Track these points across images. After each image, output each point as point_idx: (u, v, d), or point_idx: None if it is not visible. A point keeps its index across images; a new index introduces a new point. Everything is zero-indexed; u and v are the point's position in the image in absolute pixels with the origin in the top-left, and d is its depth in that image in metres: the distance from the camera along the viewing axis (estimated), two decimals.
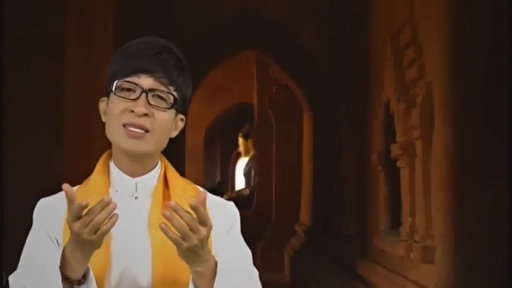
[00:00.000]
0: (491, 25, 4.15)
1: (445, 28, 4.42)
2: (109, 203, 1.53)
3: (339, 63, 9.15)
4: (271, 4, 9.60)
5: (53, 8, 5.33)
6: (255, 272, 1.75)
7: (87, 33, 5.74)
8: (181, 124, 1.77)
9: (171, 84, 1.71)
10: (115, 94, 1.69)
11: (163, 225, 1.55)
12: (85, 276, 1.61)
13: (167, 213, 1.54)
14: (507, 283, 3.92)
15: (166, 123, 1.71)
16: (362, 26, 7.29)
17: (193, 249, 1.57)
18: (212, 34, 9.53)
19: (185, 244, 1.56)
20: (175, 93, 1.72)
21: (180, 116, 1.77)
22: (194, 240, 1.56)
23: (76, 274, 1.59)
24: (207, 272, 1.62)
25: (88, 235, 1.54)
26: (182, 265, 1.67)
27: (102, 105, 1.76)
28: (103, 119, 1.76)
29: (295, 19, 9.63)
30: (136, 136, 1.68)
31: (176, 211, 1.54)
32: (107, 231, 1.55)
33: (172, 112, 1.72)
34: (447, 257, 4.27)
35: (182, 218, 1.55)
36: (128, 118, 1.68)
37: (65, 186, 1.55)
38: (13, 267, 1.70)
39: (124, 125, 1.68)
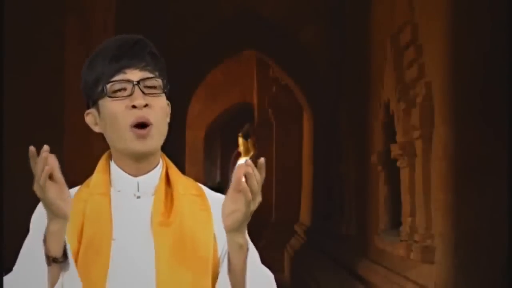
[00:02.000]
0: (491, 25, 4.15)
1: (445, 28, 4.42)
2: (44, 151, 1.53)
3: (339, 63, 9.15)
4: (271, 4, 9.59)
5: (53, 8, 5.33)
6: (264, 267, 1.75)
7: (87, 33, 5.74)
8: (169, 110, 1.78)
9: (155, 71, 1.72)
10: (109, 97, 1.69)
11: (244, 186, 1.54)
12: (65, 255, 1.60)
13: (250, 170, 1.54)
14: (507, 283, 3.92)
15: (164, 108, 1.73)
16: (362, 26, 7.29)
17: (250, 214, 1.59)
18: (212, 34, 9.53)
19: (252, 207, 1.57)
20: (160, 77, 1.73)
21: (166, 101, 1.78)
22: (257, 203, 1.58)
23: (53, 251, 1.59)
24: (246, 245, 1.63)
25: (39, 192, 1.55)
26: (186, 263, 1.67)
27: (89, 118, 1.75)
28: (96, 129, 1.75)
29: (295, 19, 9.63)
30: (142, 135, 1.68)
31: (251, 170, 1.54)
32: (43, 184, 1.54)
33: (164, 96, 1.74)
34: (447, 257, 4.27)
35: (254, 177, 1.55)
36: (133, 115, 1.68)
37: (31, 148, 1.56)
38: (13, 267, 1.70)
39: (132, 126, 1.68)
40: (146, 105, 1.68)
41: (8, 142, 4.95)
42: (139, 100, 1.67)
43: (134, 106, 1.67)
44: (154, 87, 1.71)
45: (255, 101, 15.91)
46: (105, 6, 6.21)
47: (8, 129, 4.95)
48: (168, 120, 1.76)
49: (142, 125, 1.67)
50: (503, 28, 4.02)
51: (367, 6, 7.02)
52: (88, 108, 1.75)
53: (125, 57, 1.69)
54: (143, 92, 1.69)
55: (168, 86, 1.76)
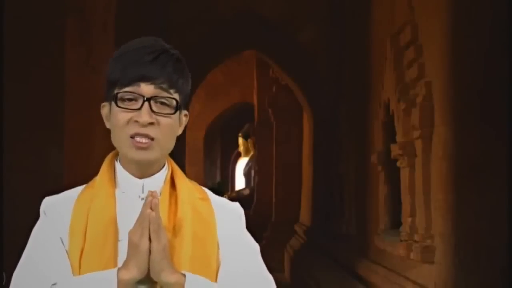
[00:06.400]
0: (491, 25, 4.15)
1: (445, 28, 4.42)
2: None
3: (339, 63, 9.16)
4: (271, 4, 9.60)
5: (53, 8, 5.32)
6: (265, 270, 1.75)
7: (87, 33, 5.73)
8: (185, 120, 1.77)
9: (172, 87, 1.69)
10: (117, 106, 1.68)
11: (152, 215, 1.59)
12: None
13: (156, 201, 1.59)
14: (507, 283, 3.92)
15: (171, 128, 1.70)
16: (362, 26, 7.29)
17: (167, 249, 1.61)
18: (212, 34, 9.53)
19: (163, 241, 1.60)
20: (176, 95, 1.70)
21: (184, 112, 1.76)
22: (165, 238, 1.61)
23: None
24: (181, 281, 1.61)
25: (139, 238, 1.63)
26: (188, 264, 1.67)
27: (104, 111, 1.75)
28: (107, 125, 1.75)
29: (295, 19, 9.63)
30: (142, 147, 1.67)
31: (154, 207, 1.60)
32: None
33: (176, 115, 1.71)
34: (447, 257, 4.27)
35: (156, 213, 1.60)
36: (134, 129, 1.66)
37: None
38: (13, 267, 1.70)
39: (131, 136, 1.67)
40: (151, 123, 1.66)
41: (8, 142, 4.95)
42: (145, 117, 1.65)
43: (138, 121, 1.66)
44: (167, 106, 1.68)
45: (255, 101, 15.92)
46: (105, 6, 6.21)
47: (8, 129, 4.94)
48: (180, 131, 1.75)
49: (142, 136, 1.67)
50: (503, 28, 4.02)
51: (367, 6, 7.02)
52: (107, 98, 1.74)
53: (144, 68, 1.66)
54: (152, 110, 1.66)
55: (184, 101, 1.73)
